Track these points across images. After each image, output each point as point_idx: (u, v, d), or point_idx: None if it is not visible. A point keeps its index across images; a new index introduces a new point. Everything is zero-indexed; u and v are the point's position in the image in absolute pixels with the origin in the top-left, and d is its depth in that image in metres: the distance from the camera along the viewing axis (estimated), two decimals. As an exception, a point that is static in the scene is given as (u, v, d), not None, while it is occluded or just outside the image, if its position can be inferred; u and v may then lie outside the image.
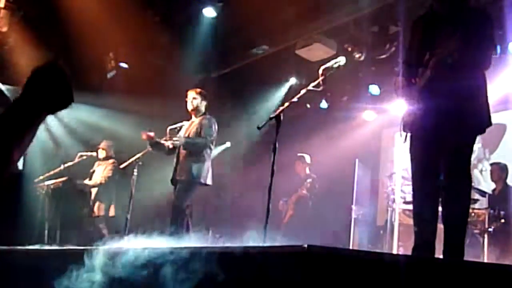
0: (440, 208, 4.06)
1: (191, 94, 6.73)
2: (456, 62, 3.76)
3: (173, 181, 6.59)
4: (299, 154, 9.61)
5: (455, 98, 3.79)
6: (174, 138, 6.56)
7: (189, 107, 6.71)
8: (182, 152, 6.52)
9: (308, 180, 9.20)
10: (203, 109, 6.75)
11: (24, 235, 7.99)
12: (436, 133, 3.92)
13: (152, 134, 6.53)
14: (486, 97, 3.96)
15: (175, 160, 6.61)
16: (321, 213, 9.54)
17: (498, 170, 8.05)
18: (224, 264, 2.65)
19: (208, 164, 6.58)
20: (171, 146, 6.65)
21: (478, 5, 4.17)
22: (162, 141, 6.64)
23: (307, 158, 9.62)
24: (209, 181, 6.61)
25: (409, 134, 4.12)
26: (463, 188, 3.90)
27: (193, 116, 6.75)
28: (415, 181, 4.11)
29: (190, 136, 6.57)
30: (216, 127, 6.68)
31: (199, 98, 6.71)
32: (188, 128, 6.72)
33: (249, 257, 2.64)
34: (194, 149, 6.50)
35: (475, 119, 3.88)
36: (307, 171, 9.55)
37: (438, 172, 3.98)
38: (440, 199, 4.01)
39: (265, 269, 2.52)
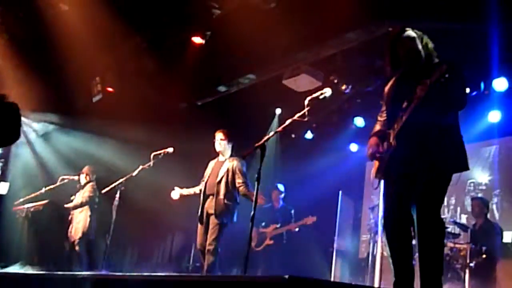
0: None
1: (219, 135, 7.01)
2: (424, 109, 3.89)
3: (201, 220, 6.85)
4: (275, 184, 9.56)
5: (425, 141, 3.93)
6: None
7: (217, 148, 7.00)
8: (219, 192, 6.76)
9: (303, 221, 9.15)
10: (230, 149, 7.05)
11: (1, 258, 7.88)
12: (408, 177, 3.99)
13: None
14: (458, 140, 4.01)
15: (201, 199, 6.89)
16: (303, 244, 9.50)
17: (480, 205, 8.09)
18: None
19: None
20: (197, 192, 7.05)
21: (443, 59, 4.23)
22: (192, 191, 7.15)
23: (281, 187, 9.57)
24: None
25: (382, 181, 4.29)
26: (434, 233, 3.89)
27: (220, 156, 7.04)
28: (386, 224, 4.16)
29: (229, 180, 6.80)
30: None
31: (226, 140, 7.01)
32: (217, 168, 6.97)
33: (230, 287, 2.62)
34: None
35: (447, 160, 3.93)
36: (281, 201, 9.51)
37: (410, 214, 4.01)
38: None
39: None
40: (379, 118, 4.46)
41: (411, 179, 3.97)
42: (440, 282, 3.83)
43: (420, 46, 4.22)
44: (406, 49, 4.25)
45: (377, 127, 4.40)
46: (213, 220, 6.68)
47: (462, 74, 4.04)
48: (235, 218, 6.83)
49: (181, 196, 7.16)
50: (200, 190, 6.98)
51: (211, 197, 6.79)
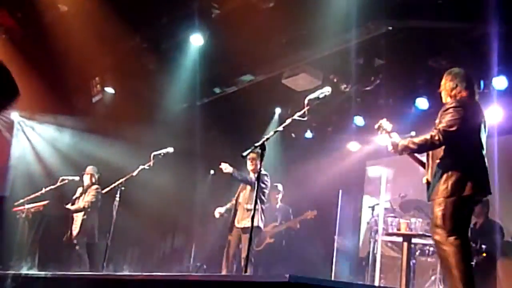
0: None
1: (251, 155, 7.45)
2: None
3: (231, 229, 7.62)
4: (274, 184, 9.53)
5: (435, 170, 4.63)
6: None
7: (249, 167, 7.71)
8: (243, 202, 7.60)
9: (304, 216, 9.26)
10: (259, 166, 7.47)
11: (3, 259, 7.87)
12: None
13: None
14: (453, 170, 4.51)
15: (233, 208, 7.74)
16: (304, 243, 9.49)
17: (480, 205, 8.08)
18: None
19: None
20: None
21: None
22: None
23: (280, 187, 9.56)
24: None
25: None
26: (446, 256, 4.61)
27: (251, 173, 7.70)
28: None
29: (253, 192, 7.24)
30: (269, 181, 7.80)
31: (258, 159, 7.37)
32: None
33: (231, 287, 2.62)
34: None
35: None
36: (279, 201, 9.52)
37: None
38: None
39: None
40: None
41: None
42: None
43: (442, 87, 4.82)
44: None
45: None
46: (244, 230, 7.32)
47: (449, 115, 4.48)
48: (262, 224, 7.49)
49: (221, 214, 8.04)
50: (232, 204, 7.80)
51: (240, 209, 7.58)
